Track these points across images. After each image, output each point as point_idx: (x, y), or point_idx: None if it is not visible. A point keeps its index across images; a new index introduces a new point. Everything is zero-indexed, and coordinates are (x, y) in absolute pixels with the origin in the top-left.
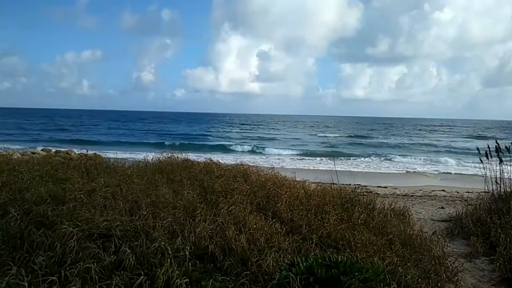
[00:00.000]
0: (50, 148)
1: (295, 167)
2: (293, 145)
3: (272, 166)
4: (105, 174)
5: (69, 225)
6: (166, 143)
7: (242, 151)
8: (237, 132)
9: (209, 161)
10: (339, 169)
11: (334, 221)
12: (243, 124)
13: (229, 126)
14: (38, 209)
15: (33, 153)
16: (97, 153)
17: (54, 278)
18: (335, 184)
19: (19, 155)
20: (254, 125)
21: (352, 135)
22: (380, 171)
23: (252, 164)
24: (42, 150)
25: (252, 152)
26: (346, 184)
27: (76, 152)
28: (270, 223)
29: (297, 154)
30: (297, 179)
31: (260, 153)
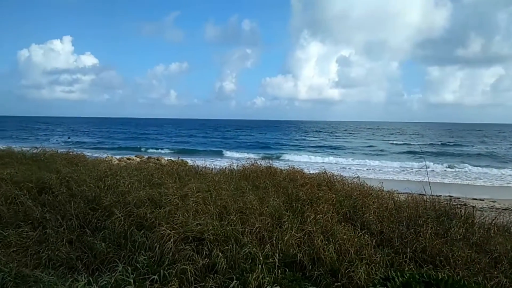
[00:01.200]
0: (142, 154)
1: (374, 177)
2: (369, 153)
3: (356, 176)
4: (195, 179)
5: (167, 227)
6: (226, 153)
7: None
8: (310, 139)
9: (292, 168)
10: (422, 179)
11: (430, 235)
12: (318, 132)
13: (305, 133)
14: (139, 211)
15: (128, 159)
16: (184, 160)
17: (155, 277)
18: (424, 195)
19: (116, 161)
20: (330, 132)
21: (440, 142)
22: (473, 182)
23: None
24: (136, 156)
25: (322, 160)
26: (436, 196)
27: (166, 159)
28: (359, 234)
29: (374, 164)
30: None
31: (332, 162)
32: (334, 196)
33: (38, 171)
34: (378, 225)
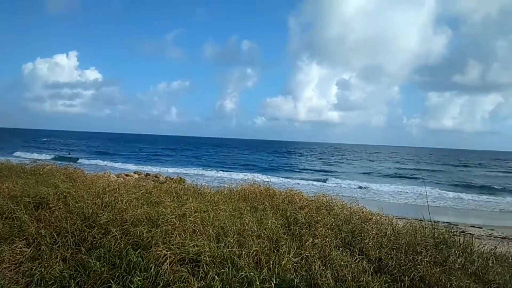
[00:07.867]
0: (140, 171)
1: (370, 198)
2: (368, 176)
3: (355, 199)
4: (193, 199)
5: (163, 248)
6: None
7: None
8: (306, 161)
9: (290, 191)
10: (422, 203)
11: (428, 263)
12: (320, 153)
13: (301, 156)
14: (135, 230)
15: (127, 175)
16: (182, 177)
17: None
18: (422, 220)
19: (115, 177)
20: (326, 154)
21: (437, 169)
22: (472, 207)
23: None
24: (134, 172)
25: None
26: (435, 222)
27: (163, 176)
28: (357, 260)
29: (374, 187)
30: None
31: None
32: (333, 220)
33: (36, 186)
34: (377, 251)
